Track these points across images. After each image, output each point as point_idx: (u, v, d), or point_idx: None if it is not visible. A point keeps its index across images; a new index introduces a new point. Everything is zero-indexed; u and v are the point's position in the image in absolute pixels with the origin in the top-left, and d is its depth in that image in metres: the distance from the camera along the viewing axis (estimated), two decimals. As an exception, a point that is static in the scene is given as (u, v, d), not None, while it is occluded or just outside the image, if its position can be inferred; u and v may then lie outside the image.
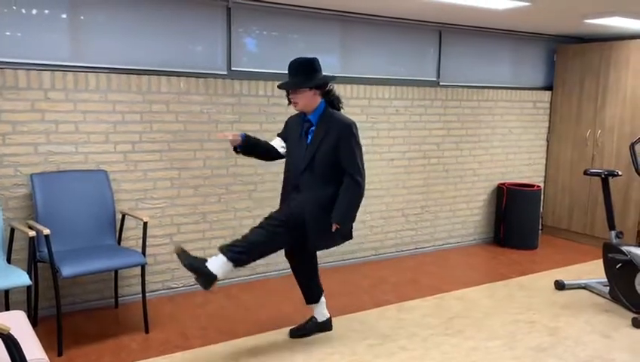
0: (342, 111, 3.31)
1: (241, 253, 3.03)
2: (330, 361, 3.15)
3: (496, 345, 3.38)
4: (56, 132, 3.60)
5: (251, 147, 3.24)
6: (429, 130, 5.27)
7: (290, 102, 3.23)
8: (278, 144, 3.36)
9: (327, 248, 3.38)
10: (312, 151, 3.16)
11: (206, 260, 3.02)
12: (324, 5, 4.31)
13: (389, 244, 5.21)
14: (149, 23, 3.86)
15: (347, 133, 3.14)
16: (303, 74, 3.16)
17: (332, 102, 3.27)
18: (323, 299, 3.50)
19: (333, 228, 3.14)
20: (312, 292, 3.47)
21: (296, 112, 3.31)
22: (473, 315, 3.84)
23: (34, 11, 3.49)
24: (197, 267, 3.01)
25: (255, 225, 3.17)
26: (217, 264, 3.01)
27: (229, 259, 3.01)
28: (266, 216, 3.21)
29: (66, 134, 3.63)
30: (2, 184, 3.46)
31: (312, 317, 3.50)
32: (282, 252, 4.63)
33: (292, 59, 3.20)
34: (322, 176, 3.15)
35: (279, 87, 3.22)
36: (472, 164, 5.63)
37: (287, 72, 3.20)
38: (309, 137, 3.20)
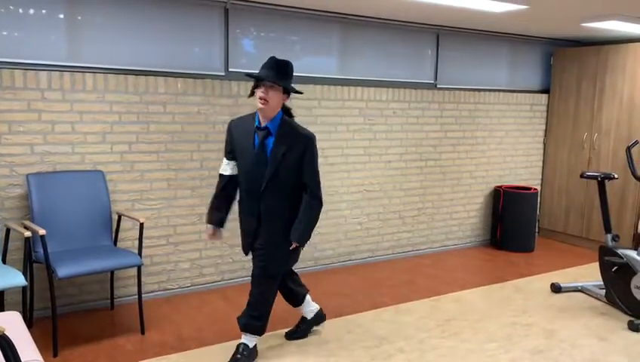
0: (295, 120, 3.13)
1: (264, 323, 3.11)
2: (326, 363, 3.14)
3: (492, 348, 3.37)
4: (53, 132, 3.59)
5: (225, 216, 3.17)
6: (426, 133, 5.27)
7: (252, 95, 2.92)
8: (231, 171, 3.07)
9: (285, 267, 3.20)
10: (275, 165, 2.90)
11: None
12: (322, 7, 4.31)
13: (385, 246, 5.20)
14: (146, 24, 3.86)
15: (312, 147, 2.95)
16: (282, 73, 2.89)
17: (288, 110, 3.07)
18: (307, 296, 3.43)
19: (293, 246, 3.02)
20: (295, 296, 3.38)
21: (239, 116, 3.07)
22: (470, 317, 3.84)
23: (31, 11, 3.48)
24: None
25: (256, 283, 3.06)
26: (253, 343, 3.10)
27: (257, 333, 3.10)
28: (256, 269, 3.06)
29: (63, 134, 3.62)
30: (-2, 184, 3.45)
31: (303, 318, 3.48)
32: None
33: (281, 59, 2.94)
34: (285, 194, 2.95)
35: (256, 76, 2.86)
36: (469, 167, 5.63)
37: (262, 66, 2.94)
38: (269, 149, 2.92)
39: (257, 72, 2.93)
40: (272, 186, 2.94)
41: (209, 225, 3.16)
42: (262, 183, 2.94)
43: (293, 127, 2.97)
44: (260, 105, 2.88)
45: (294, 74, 3.07)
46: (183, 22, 3.99)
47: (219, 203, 3.15)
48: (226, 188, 3.12)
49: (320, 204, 3.02)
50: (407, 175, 5.23)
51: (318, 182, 3.01)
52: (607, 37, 5.53)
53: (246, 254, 3.20)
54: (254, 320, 3.06)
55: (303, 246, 3.10)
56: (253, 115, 3.01)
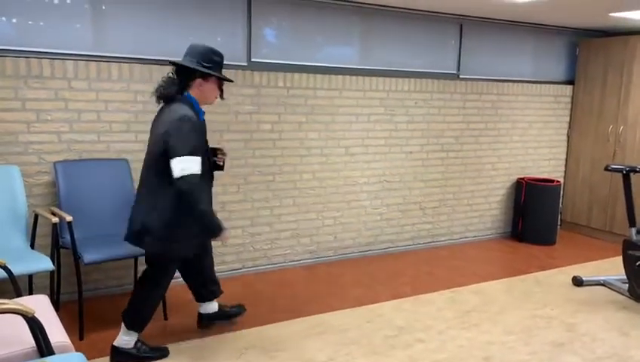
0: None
1: None
2: (346, 351, 3.17)
3: (512, 340, 3.37)
4: (79, 121, 3.66)
5: None
6: (447, 124, 5.24)
7: (222, 94, 2.97)
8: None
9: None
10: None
11: None
12: (344, -3, 4.30)
13: (406, 237, 5.21)
14: (170, 14, 3.90)
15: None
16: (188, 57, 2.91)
17: None
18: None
19: None
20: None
21: (192, 112, 2.81)
22: (490, 309, 3.83)
23: (57, 1, 3.54)
24: None
25: None
26: None
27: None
28: None
29: (89, 123, 3.69)
30: (26, 171, 3.53)
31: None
32: (299, 242, 4.67)
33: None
34: None
35: (228, 79, 2.93)
36: (490, 158, 5.59)
37: (219, 60, 2.92)
38: None
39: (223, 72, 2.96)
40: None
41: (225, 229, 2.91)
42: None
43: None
44: (215, 101, 2.97)
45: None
46: (206, 12, 4.02)
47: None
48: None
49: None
50: (428, 166, 5.21)
51: None
52: (635, 27, 5.41)
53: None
54: None
55: None
56: (192, 108, 2.82)
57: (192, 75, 2.84)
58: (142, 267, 3.96)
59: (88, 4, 3.62)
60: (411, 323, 3.56)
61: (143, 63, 3.83)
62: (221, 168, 3.18)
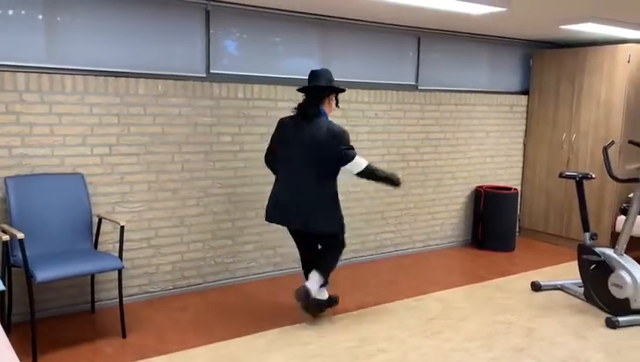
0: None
1: None
2: (309, 364, 3.14)
3: (474, 346, 3.41)
4: (31, 134, 3.54)
5: None
6: (407, 134, 5.31)
7: (337, 104, 3.75)
8: None
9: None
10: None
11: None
12: (302, 9, 4.32)
13: (369, 247, 5.23)
14: (126, 25, 3.83)
15: None
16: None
17: None
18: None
19: None
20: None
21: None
22: (452, 317, 3.87)
23: (9, 12, 3.43)
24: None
25: None
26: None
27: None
28: None
29: (41, 137, 3.58)
30: (-25, 187, 3.40)
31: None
32: (262, 254, 4.63)
33: (312, 67, 3.75)
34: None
35: (343, 90, 3.72)
36: (450, 167, 5.68)
37: (313, 78, 3.66)
38: None
39: (310, 83, 3.65)
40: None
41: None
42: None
43: None
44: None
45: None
46: (163, 23, 3.97)
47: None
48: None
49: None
50: (390, 176, 5.24)
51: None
52: (586, 39, 5.62)
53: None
54: None
55: None
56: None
57: (325, 93, 3.64)
58: (99, 286, 3.87)
59: (42, 15, 3.53)
60: (374, 333, 3.57)
61: (99, 75, 3.75)
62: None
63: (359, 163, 3.57)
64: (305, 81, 3.72)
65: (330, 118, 3.64)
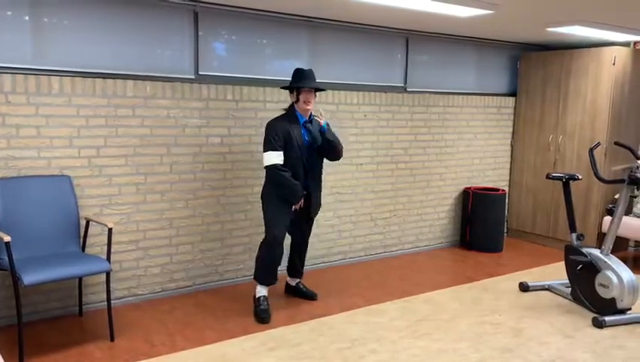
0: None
1: None
2: (299, 366, 3.14)
3: (463, 347, 3.43)
4: (18, 136, 3.51)
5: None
6: (396, 135, 5.33)
7: (298, 101, 3.76)
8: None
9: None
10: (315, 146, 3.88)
11: None
12: (291, 10, 4.33)
13: (357, 248, 5.24)
14: (114, 26, 3.81)
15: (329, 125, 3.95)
16: (315, 80, 3.81)
17: None
18: None
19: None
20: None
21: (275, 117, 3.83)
22: (441, 318, 3.89)
23: (-6, 12, 3.40)
24: None
25: None
26: None
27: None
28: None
29: (28, 138, 3.54)
30: (-40, 190, 3.35)
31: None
32: (251, 256, 4.62)
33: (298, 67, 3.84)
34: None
35: (314, 87, 3.75)
36: (438, 169, 5.71)
37: (295, 75, 3.77)
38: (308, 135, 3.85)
39: (293, 82, 3.79)
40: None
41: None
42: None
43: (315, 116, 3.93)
44: (306, 107, 3.76)
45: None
46: (152, 25, 3.95)
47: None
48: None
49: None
50: (379, 177, 5.27)
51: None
52: (572, 42, 5.68)
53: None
54: None
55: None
56: (292, 113, 3.82)
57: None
58: (87, 289, 3.84)
59: (28, 16, 3.50)
60: (364, 335, 3.57)
61: (86, 77, 3.72)
62: None
63: (265, 159, 3.72)
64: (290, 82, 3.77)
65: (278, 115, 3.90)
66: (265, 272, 3.86)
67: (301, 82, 3.76)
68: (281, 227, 3.81)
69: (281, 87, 3.95)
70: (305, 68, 3.86)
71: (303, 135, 3.81)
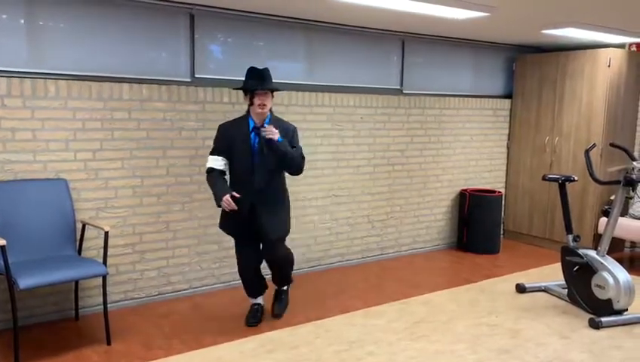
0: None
1: None
2: (296, 369, 3.14)
3: (460, 349, 3.43)
4: (13, 140, 3.50)
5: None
6: (393, 138, 5.34)
7: (252, 104, 3.45)
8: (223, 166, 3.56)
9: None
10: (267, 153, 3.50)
11: None
12: (287, 13, 4.33)
13: (355, 251, 5.23)
14: (110, 29, 3.80)
15: (296, 131, 3.64)
16: (270, 80, 3.50)
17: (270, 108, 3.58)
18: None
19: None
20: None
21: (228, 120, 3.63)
22: (438, 319, 3.89)
23: (-11, 16, 3.39)
24: None
25: None
26: None
27: None
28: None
29: (24, 142, 3.53)
30: (-45, 194, 3.34)
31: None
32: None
33: (252, 66, 3.48)
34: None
35: (262, 88, 3.41)
36: (435, 171, 5.72)
37: (247, 76, 3.47)
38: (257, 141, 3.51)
39: (245, 83, 3.47)
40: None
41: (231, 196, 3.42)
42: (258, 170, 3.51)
43: (279, 119, 3.60)
44: (260, 111, 3.44)
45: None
46: (148, 28, 3.95)
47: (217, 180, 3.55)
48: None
49: (303, 160, 3.64)
50: (375, 179, 5.27)
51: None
52: (568, 44, 5.70)
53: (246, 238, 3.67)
54: None
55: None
56: (244, 118, 3.55)
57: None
58: (83, 292, 3.82)
59: (24, 19, 3.49)
60: (362, 337, 3.57)
61: (83, 80, 3.71)
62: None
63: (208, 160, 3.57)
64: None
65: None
66: (245, 288, 3.82)
67: (254, 84, 3.43)
68: (244, 256, 3.69)
69: (234, 88, 3.73)
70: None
71: (252, 141, 3.47)
